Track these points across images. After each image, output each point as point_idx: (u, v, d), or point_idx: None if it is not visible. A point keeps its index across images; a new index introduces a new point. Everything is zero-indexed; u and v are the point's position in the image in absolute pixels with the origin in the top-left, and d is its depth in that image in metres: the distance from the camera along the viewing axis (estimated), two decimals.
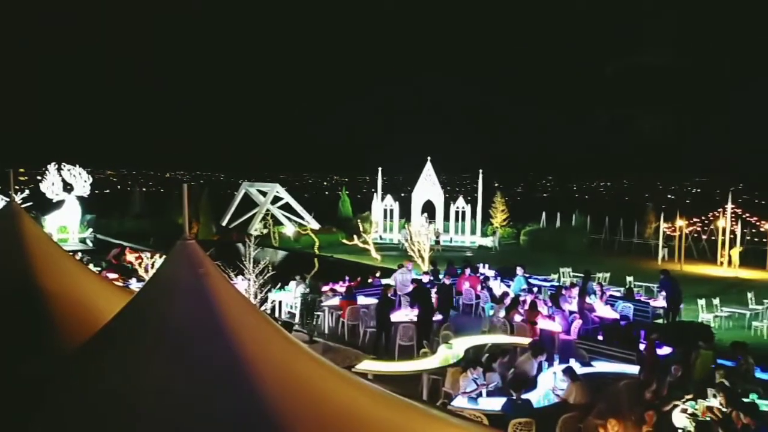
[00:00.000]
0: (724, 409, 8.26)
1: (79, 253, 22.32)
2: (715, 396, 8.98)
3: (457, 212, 34.90)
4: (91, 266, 15.95)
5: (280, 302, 16.26)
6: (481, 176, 35.19)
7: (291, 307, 16.20)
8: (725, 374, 9.62)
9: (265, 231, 32.75)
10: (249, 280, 13.94)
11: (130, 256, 18.91)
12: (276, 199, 36.89)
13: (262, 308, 13.96)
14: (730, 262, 27.38)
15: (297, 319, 15.60)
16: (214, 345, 3.48)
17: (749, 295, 18.48)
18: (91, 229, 31.93)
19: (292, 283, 16.45)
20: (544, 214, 38.14)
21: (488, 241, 33.83)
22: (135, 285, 14.98)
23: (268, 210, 35.35)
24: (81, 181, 29.80)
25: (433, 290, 15.76)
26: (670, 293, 16.31)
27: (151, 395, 3.23)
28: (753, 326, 16.28)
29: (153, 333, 3.55)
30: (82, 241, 30.36)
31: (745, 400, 8.51)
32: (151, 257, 18.71)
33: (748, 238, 30.12)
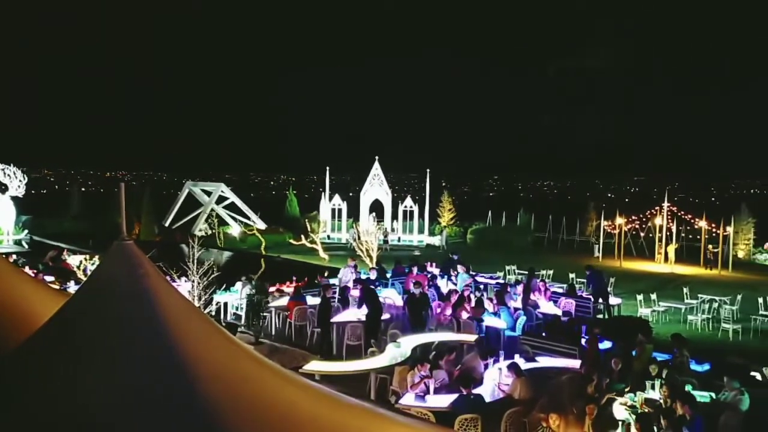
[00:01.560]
0: (660, 401, 8.57)
1: (14, 256, 21.46)
2: (653, 388, 9.31)
3: (404, 212, 35.10)
4: (26, 269, 15.39)
5: (225, 304, 16.01)
6: (428, 176, 35.49)
7: (237, 309, 15.97)
8: (662, 367, 9.98)
9: (209, 231, 32.19)
10: (193, 281, 13.67)
11: (72, 260, 18.32)
12: (221, 199, 36.31)
13: (207, 310, 13.71)
14: (666, 258, 28.42)
15: (243, 321, 15.39)
16: (154, 347, 3.40)
17: (684, 290, 19.22)
18: (26, 231, 30.72)
19: (238, 284, 16.21)
20: (490, 213, 38.75)
21: (436, 240, 34.13)
22: (73, 288, 14.47)
23: (212, 210, 34.75)
24: (16, 181, 28.68)
25: (379, 292, 15.80)
26: (596, 287, 16.91)
27: (89, 398, 3.13)
28: (688, 320, 16.92)
29: (90, 335, 3.45)
30: (18, 243, 29.19)
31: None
32: (90, 259, 18.18)
33: (683, 235, 31.29)
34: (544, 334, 13.46)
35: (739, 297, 17.94)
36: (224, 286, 15.96)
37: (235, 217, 35.69)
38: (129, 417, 3.10)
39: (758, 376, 10.24)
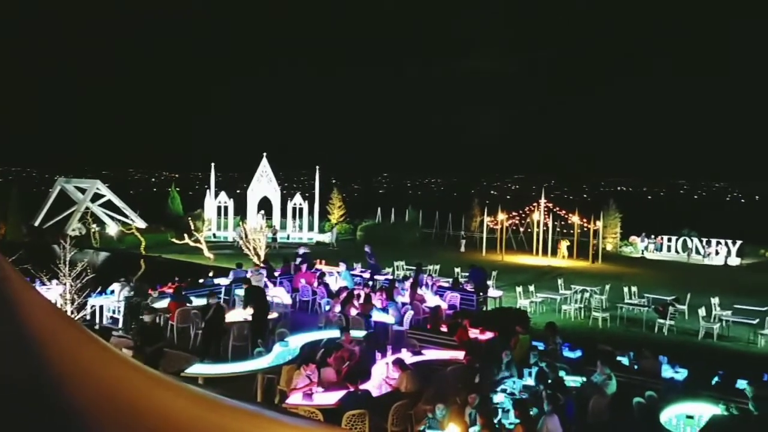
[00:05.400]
0: (536, 387, 9.03)
1: None
2: (530, 375, 9.80)
3: (294, 209, 34.77)
4: None
5: (101, 307, 15.16)
6: (318, 173, 35.36)
7: (114, 312, 15.17)
8: (540, 355, 10.53)
9: (84, 231, 30.37)
10: (65, 284, 12.85)
11: None
12: (96, 197, 34.35)
13: (80, 314, 12.91)
14: (557, 253, 30.16)
15: (120, 324, 14.63)
16: (13, 356, 3.14)
17: (559, 281, 20.40)
18: None
19: (115, 286, 15.39)
20: (379, 210, 39.19)
21: (326, 237, 34.08)
22: None
23: (87, 208, 32.80)
24: None
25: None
26: (477, 282, 17.65)
27: None
28: (562, 309, 17.96)
29: None
30: None
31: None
32: None
33: (558, 230, 33.16)
34: (428, 326, 13.81)
35: (607, 287, 19.26)
36: (99, 289, 15.13)
37: (112, 216, 33.90)
38: None
39: (624, 361, 11.02)
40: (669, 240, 32.39)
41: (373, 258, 19.60)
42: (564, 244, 30.49)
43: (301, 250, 20.70)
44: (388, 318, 14.06)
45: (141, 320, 13.87)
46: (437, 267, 23.18)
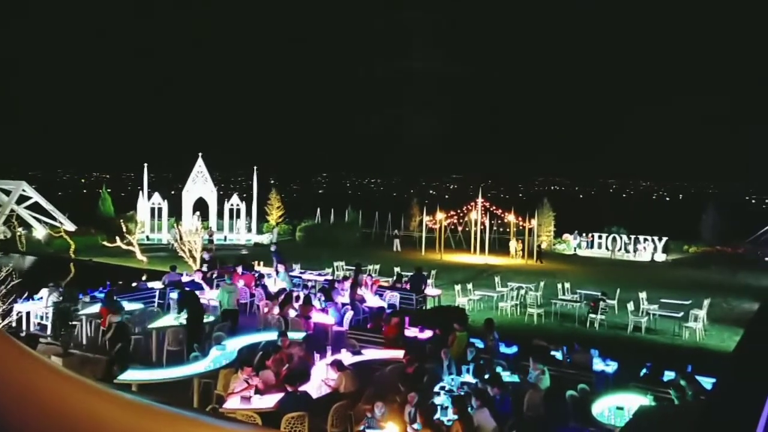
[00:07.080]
0: (475, 384, 9.19)
1: None
2: (468, 371, 9.95)
3: (231, 210, 34.22)
4: None
5: (27, 313, 14.52)
6: (255, 173, 34.90)
7: (42, 318, 14.56)
8: (477, 351, 10.71)
9: (9, 234, 29.05)
10: None
11: None
12: (22, 199, 32.88)
13: (5, 321, 12.34)
14: (511, 253, 30.80)
15: (49, 331, 14.06)
16: None
17: (496, 279, 20.82)
18: None
19: (44, 291, 14.78)
20: (318, 210, 39.02)
21: (264, 238, 33.69)
22: None
23: (12, 211, 31.35)
24: None
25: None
26: (414, 286, 17.80)
27: None
28: (499, 306, 18.33)
29: None
30: None
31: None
32: None
33: (495, 228, 33.84)
34: (369, 326, 13.84)
35: (542, 284, 19.80)
36: (26, 295, 14.49)
37: (39, 218, 32.50)
38: None
39: (557, 355, 11.34)
40: (600, 237, 33.52)
41: (278, 258, 19.20)
42: (512, 245, 31.21)
43: (206, 255, 20.60)
44: (328, 319, 14.02)
45: None
46: (377, 267, 23.27)
